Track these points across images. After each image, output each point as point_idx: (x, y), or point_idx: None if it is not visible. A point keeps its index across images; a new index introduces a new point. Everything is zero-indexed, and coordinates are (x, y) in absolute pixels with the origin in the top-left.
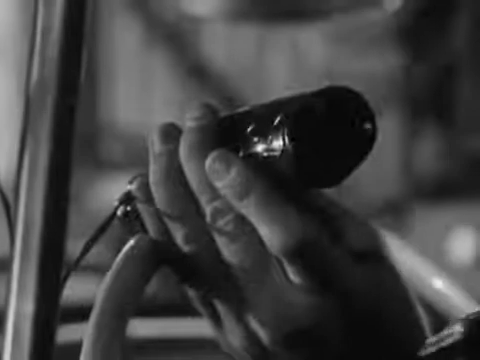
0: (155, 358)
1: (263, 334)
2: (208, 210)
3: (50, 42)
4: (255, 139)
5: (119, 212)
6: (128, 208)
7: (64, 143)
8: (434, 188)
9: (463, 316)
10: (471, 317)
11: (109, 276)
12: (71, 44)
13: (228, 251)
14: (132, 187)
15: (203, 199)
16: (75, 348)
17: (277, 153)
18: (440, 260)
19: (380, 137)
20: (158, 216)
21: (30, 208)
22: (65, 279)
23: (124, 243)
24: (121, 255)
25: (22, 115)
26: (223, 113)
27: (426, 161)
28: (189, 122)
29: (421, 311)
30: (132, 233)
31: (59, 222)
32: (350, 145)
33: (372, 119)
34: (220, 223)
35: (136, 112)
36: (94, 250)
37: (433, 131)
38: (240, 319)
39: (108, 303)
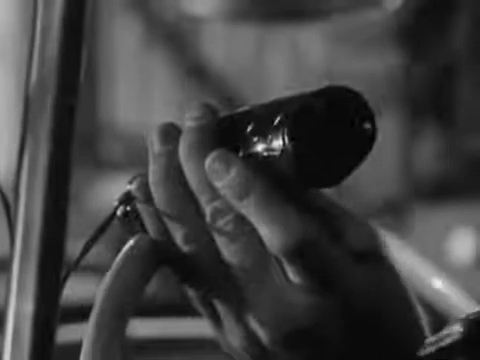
0: (155, 358)
1: (263, 334)
2: (208, 210)
3: (50, 42)
4: (255, 139)
5: (119, 212)
6: (128, 208)
7: (64, 143)
8: (434, 188)
9: (462, 316)
10: (470, 317)
11: (109, 276)
12: (71, 44)
13: (228, 251)
14: (132, 187)
15: (203, 199)
16: (75, 348)
17: (277, 153)
18: (440, 260)
19: (380, 137)
20: (158, 216)
21: (30, 208)
22: (65, 279)
23: (124, 243)
24: (121, 255)
25: (22, 115)
26: (223, 113)
27: (426, 161)
28: (189, 122)
29: (421, 311)
30: (132, 233)
31: (59, 222)
32: (350, 145)
33: (372, 119)
34: (220, 223)
35: (136, 112)
36: (94, 250)
37: (433, 131)
38: (240, 319)
39: (108, 303)
